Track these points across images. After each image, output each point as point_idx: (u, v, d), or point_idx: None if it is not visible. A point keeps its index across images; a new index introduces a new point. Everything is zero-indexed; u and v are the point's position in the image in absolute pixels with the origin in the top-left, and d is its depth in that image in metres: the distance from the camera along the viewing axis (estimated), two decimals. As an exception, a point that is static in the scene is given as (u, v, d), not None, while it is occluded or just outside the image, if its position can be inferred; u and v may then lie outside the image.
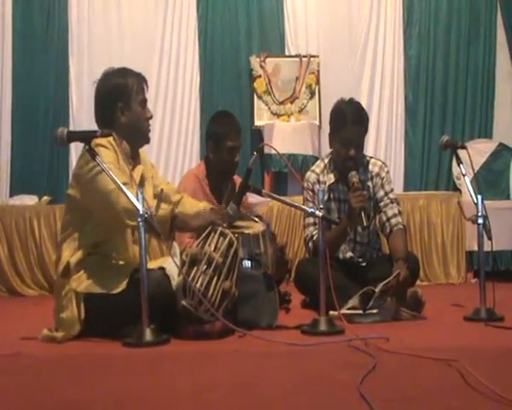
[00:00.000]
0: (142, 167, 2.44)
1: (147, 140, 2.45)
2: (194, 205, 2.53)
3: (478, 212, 2.61)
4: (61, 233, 2.36)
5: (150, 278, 2.11)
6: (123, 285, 2.16)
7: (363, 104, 3.81)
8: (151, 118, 2.44)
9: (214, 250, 2.21)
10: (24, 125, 4.87)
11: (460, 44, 5.27)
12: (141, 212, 2.06)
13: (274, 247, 2.61)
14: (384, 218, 3.02)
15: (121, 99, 2.36)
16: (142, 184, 2.36)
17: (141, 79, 2.42)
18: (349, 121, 2.91)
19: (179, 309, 2.17)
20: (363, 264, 3.11)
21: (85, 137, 2.16)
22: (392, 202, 3.05)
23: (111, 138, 2.28)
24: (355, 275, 2.96)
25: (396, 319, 2.57)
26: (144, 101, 2.42)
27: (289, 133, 4.83)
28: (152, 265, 2.29)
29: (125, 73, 2.41)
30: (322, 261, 2.29)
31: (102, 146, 2.26)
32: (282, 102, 5.06)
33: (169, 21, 5.08)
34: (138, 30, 5.03)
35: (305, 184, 3.07)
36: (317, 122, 5.00)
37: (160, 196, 2.38)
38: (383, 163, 3.15)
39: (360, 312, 2.55)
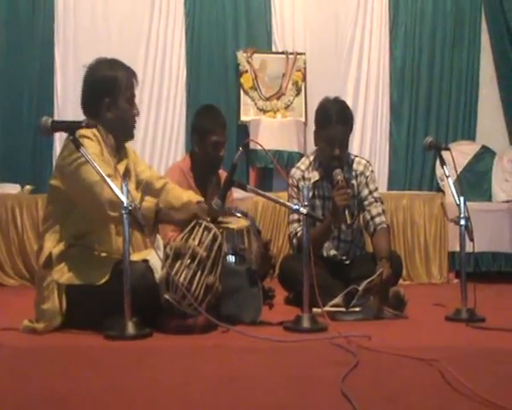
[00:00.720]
0: (126, 161, 2.42)
1: (131, 137, 2.42)
2: (178, 193, 2.51)
3: (460, 213, 2.63)
4: (43, 224, 2.33)
5: (133, 270, 2.09)
6: (105, 277, 2.14)
7: (349, 103, 3.81)
8: (138, 115, 2.41)
9: (198, 244, 2.20)
10: (8, 114, 4.81)
11: (445, 47, 5.30)
12: (125, 204, 2.03)
13: (259, 242, 2.60)
14: (368, 216, 3.03)
15: (108, 94, 2.32)
16: (126, 176, 2.34)
17: (131, 74, 2.38)
18: (334, 120, 2.92)
19: (162, 303, 2.15)
20: (347, 262, 3.12)
21: (70, 127, 2.14)
22: (376, 201, 3.06)
23: (96, 130, 2.25)
24: (338, 273, 2.97)
25: (378, 318, 2.58)
26: (132, 97, 2.38)
27: (275, 129, 4.83)
28: (135, 257, 2.27)
29: (115, 65, 2.36)
30: (306, 258, 2.29)
31: (87, 137, 2.22)
32: (268, 98, 5.05)
33: (156, 14, 5.04)
34: (125, 21, 4.98)
35: (290, 181, 3.07)
36: (303, 119, 5.01)
37: (146, 181, 2.36)
38: (368, 162, 3.15)
39: (343, 310, 2.56)
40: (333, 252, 3.10)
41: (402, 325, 2.51)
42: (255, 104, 5.03)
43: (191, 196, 2.54)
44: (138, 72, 4.76)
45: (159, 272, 2.20)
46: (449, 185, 2.76)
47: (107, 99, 2.32)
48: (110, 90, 2.32)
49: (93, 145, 2.22)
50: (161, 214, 2.22)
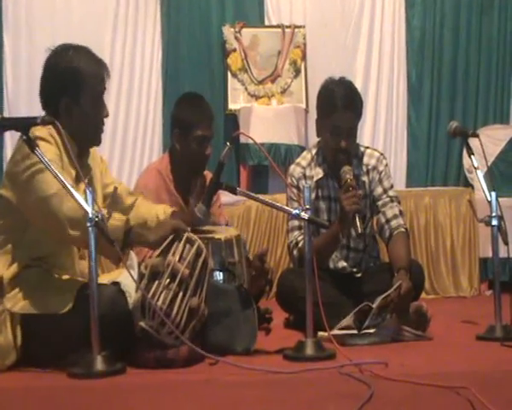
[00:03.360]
0: (92, 170, 2.42)
1: (98, 142, 2.39)
2: (152, 206, 2.51)
3: (492, 211, 2.64)
4: (-8, 242, 2.32)
5: (102, 294, 2.09)
6: (68, 304, 2.14)
7: (358, 85, 3.81)
8: (106, 117, 2.37)
9: (179, 260, 2.21)
10: (-51, 110, 4.81)
11: (472, 14, 5.32)
12: (90, 215, 2.03)
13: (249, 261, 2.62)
14: (383, 219, 3.05)
15: (69, 91, 2.28)
16: (91, 186, 2.33)
17: (101, 67, 2.34)
18: (340, 106, 2.92)
19: (137, 332, 2.15)
20: (358, 275, 3.12)
21: (22, 124, 2.10)
22: (392, 201, 3.07)
23: (53, 130, 2.23)
24: (348, 288, 2.97)
25: (397, 340, 2.59)
26: (101, 95, 2.34)
27: (270, 119, 4.84)
28: (104, 279, 2.27)
29: (82, 55, 2.31)
30: (310, 272, 2.29)
31: (43, 139, 2.19)
32: (261, 82, 5.07)
33: (125, -14, 5.06)
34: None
35: (289, 180, 3.08)
36: (304, 105, 5.02)
37: (114, 196, 2.36)
38: (381, 154, 3.17)
39: (354, 332, 2.56)
40: (341, 264, 3.11)
41: (425, 347, 2.52)
42: (245, 89, 5.05)
43: (166, 208, 2.54)
44: (105, 55, 4.76)
45: (132, 295, 2.20)
46: (478, 179, 2.77)
47: (67, 98, 2.29)
48: (72, 86, 2.28)
49: (51, 149, 2.20)
50: (133, 235, 2.19)
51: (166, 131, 4.79)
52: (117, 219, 2.18)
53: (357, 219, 2.72)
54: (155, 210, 2.51)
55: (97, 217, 2.04)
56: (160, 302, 2.14)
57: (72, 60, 2.30)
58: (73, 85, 2.28)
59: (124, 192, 2.55)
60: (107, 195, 2.51)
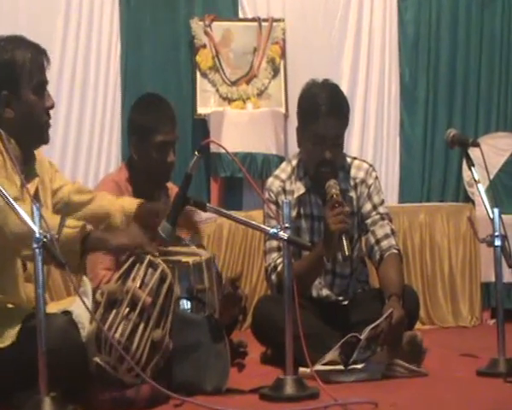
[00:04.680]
0: (39, 177, 2.41)
1: (44, 140, 2.41)
2: (115, 198, 2.51)
3: (494, 230, 2.68)
4: None
5: (51, 325, 2.08)
6: (12, 336, 2.13)
7: (344, 87, 3.83)
8: (52, 108, 2.40)
9: (140, 287, 2.20)
10: None
11: (471, 7, 5.35)
12: (37, 235, 2.03)
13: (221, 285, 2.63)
14: (372, 240, 3.07)
15: (7, 84, 2.30)
16: (37, 198, 2.33)
17: (39, 53, 2.37)
18: (324, 112, 2.95)
19: (91, 369, 2.14)
20: (345, 303, 3.14)
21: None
22: (382, 219, 3.10)
23: None
24: (334, 318, 2.99)
25: (388, 376, 2.61)
26: (42, 84, 2.38)
27: (245, 125, 4.85)
28: (53, 308, 2.27)
29: (15, 44, 2.35)
30: (289, 300, 2.31)
31: None
32: (234, 83, 5.08)
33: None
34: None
35: (267, 195, 3.10)
36: (283, 110, 5.04)
37: (66, 209, 2.37)
38: (370, 166, 3.20)
39: (340, 368, 2.57)
40: (326, 291, 3.12)
41: (420, 384, 2.54)
42: (217, 91, 5.05)
43: (130, 199, 2.55)
44: (55, 49, 4.70)
45: (86, 326, 2.19)
46: (479, 193, 2.81)
47: (6, 92, 2.31)
48: (8, 79, 2.30)
49: None
50: (90, 242, 2.20)
51: (125, 138, 4.76)
52: (72, 227, 2.17)
53: (343, 239, 2.72)
54: (119, 201, 2.52)
55: (45, 237, 2.03)
56: (117, 335, 2.13)
57: (5, 51, 2.33)
58: (10, 78, 2.31)
59: (80, 189, 2.56)
60: (59, 201, 2.51)
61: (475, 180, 2.82)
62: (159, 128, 3.05)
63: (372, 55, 5.33)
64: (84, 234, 2.18)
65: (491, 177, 4.45)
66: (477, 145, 2.89)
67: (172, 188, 3.13)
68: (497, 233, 2.68)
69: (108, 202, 2.58)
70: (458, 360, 3.06)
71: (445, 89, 5.34)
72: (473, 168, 2.84)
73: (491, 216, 2.71)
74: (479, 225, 3.53)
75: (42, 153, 2.52)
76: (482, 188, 2.80)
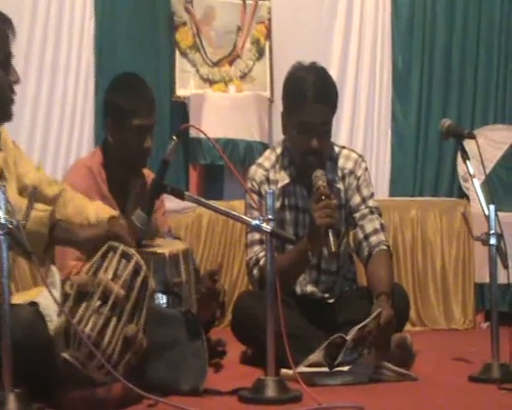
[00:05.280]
0: (2, 156, 2.40)
1: (7, 116, 2.39)
2: (82, 205, 2.49)
3: (490, 228, 2.69)
4: None
5: (16, 318, 2.07)
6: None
7: (333, 72, 3.83)
8: (17, 83, 2.38)
9: (113, 279, 2.19)
10: None
11: (469, -11, 5.41)
12: (2, 220, 2.01)
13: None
14: (361, 235, 3.08)
15: None
16: (3, 176, 2.32)
17: (3, 23, 2.35)
18: (311, 97, 2.95)
19: (59, 365, 2.13)
20: (331, 301, 3.15)
21: None
22: (371, 213, 3.11)
23: None
24: (319, 317, 2.99)
25: (375, 380, 2.62)
26: (7, 56, 2.35)
27: (227, 109, 4.86)
28: (19, 299, 2.24)
29: None
30: (272, 296, 2.31)
31: None
32: (216, 63, 5.08)
33: None
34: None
35: (249, 184, 3.10)
36: (268, 94, 5.06)
37: (34, 194, 2.34)
38: (360, 156, 3.21)
39: (325, 370, 2.58)
40: (310, 288, 3.13)
41: (408, 389, 2.55)
42: (197, 71, 5.05)
43: (101, 209, 2.53)
44: (23, 24, 4.66)
45: (54, 319, 2.18)
46: (474, 188, 2.82)
47: None
48: None
49: None
50: (59, 230, 2.20)
51: (99, 120, 4.76)
52: (41, 210, 2.17)
53: (330, 235, 2.71)
54: (86, 212, 2.49)
55: (11, 223, 2.02)
56: (87, 329, 2.12)
57: None
58: None
59: (44, 181, 2.53)
60: (25, 186, 2.49)
61: (470, 175, 2.84)
62: (137, 111, 3.04)
63: (363, 39, 5.36)
64: (52, 220, 2.18)
65: (488, 171, 4.51)
66: (473, 137, 2.90)
67: (149, 175, 3.13)
68: (492, 231, 2.69)
69: (73, 210, 2.51)
70: (450, 364, 3.08)
71: (441, 77, 5.38)
72: (468, 162, 2.85)
73: (487, 213, 2.72)
74: (473, 223, 3.56)
75: (6, 132, 2.50)
76: (477, 183, 2.82)
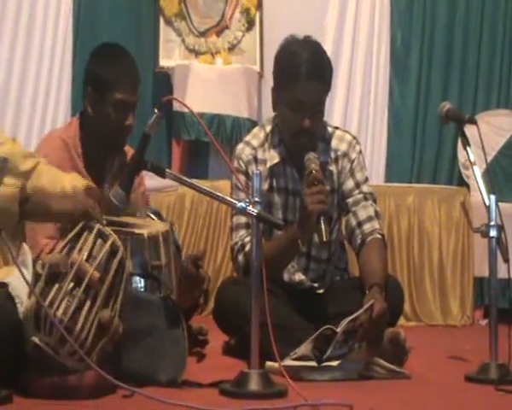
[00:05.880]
0: None
1: None
2: (56, 176, 2.48)
3: (490, 219, 2.69)
4: None
5: (-17, 299, 2.06)
6: None
7: (328, 48, 3.81)
8: None
9: (87, 260, 2.19)
10: None
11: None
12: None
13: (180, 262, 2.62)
14: (354, 222, 3.08)
15: None
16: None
17: None
18: (303, 74, 2.94)
19: (29, 349, 2.13)
20: (320, 291, 3.15)
21: None
22: (365, 199, 3.11)
23: None
24: (307, 307, 3.00)
25: (366, 377, 2.62)
26: None
27: (213, 82, 4.86)
28: (-13, 279, 2.23)
29: None
30: (257, 284, 2.30)
31: None
32: (203, 33, 5.07)
33: None
34: None
35: (235, 164, 3.09)
36: (257, 68, 5.05)
37: (4, 166, 2.33)
38: (354, 138, 3.20)
39: (313, 364, 2.58)
40: (299, 276, 3.13)
41: (401, 387, 2.56)
42: (183, 41, 5.04)
43: (76, 179, 2.51)
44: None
45: (24, 301, 2.17)
46: (475, 177, 2.82)
47: None
48: None
49: None
50: (31, 204, 2.19)
51: (77, 88, 4.74)
52: (10, 185, 2.17)
53: (322, 222, 2.72)
54: (61, 182, 2.48)
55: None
56: (59, 313, 2.11)
57: None
58: None
59: (18, 153, 2.50)
60: None
61: (471, 162, 2.84)
62: (120, 84, 3.03)
63: (360, 14, 5.36)
64: (23, 194, 2.16)
65: (489, 159, 4.52)
66: (474, 122, 2.91)
67: (129, 151, 3.11)
68: (492, 223, 2.69)
69: (48, 181, 2.49)
70: (445, 362, 3.09)
71: (442, 56, 5.38)
72: (468, 148, 2.85)
73: (487, 203, 2.72)
74: (474, 213, 3.58)
75: None
76: (478, 171, 2.82)
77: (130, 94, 3.07)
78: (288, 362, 2.51)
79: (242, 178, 3.02)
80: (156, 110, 2.42)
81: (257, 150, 3.10)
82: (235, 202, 2.47)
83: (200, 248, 3.65)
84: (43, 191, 2.39)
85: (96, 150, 3.09)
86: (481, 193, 2.76)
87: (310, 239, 3.03)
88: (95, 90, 3.08)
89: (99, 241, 2.24)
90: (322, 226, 2.71)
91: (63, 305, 2.13)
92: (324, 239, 2.71)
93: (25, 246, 2.35)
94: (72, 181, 2.48)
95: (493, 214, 2.69)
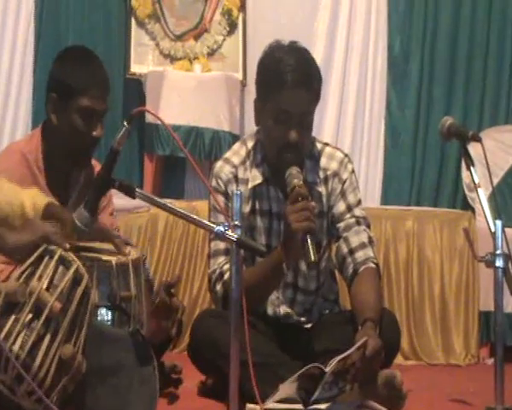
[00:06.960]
0: None
1: None
2: (13, 192, 2.48)
3: (496, 248, 2.70)
4: None
5: None
6: None
7: (318, 55, 3.86)
8: None
9: (48, 289, 2.19)
10: None
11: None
12: None
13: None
14: (345, 249, 3.09)
15: None
16: None
17: None
18: (289, 81, 2.96)
19: (-19, 389, 2.13)
20: (308, 325, 3.16)
21: None
22: (358, 224, 3.12)
23: None
24: (293, 344, 3.01)
25: (358, 422, 2.63)
26: None
27: (191, 91, 4.87)
28: None
29: None
30: (237, 317, 2.31)
31: None
32: (179, 37, 5.09)
33: None
34: None
35: (214, 183, 3.10)
36: (240, 76, 5.08)
37: None
38: (346, 156, 3.22)
39: (299, 407, 2.59)
40: (284, 309, 3.14)
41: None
42: (157, 45, 5.06)
43: (37, 196, 2.52)
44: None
45: (-24, 334, 2.17)
46: (479, 200, 2.84)
47: None
48: None
49: None
50: None
51: (39, 97, 4.75)
52: None
53: (308, 241, 2.72)
54: (20, 199, 2.48)
55: None
56: (16, 347, 2.11)
57: None
58: None
59: None
60: None
61: (474, 183, 2.84)
62: (87, 90, 3.03)
63: (354, 18, 5.39)
64: None
65: (497, 180, 4.55)
66: (478, 140, 2.91)
67: (96, 166, 3.12)
68: (498, 251, 2.70)
69: (6, 199, 2.51)
70: (447, 406, 3.10)
71: (444, 65, 5.41)
72: (472, 168, 2.86)
73: (493, 229, 2.73)
74: (478, 240, 3.58)
75: None
76: (483, 193, 2.82)
77: (98, 101, 3.07)
78: (272, 405, 2.52)
79: (221, 198, 3.03)
80: (126, 123, 2.42)
81: (237, 168, 3.11)
82: (212, 225, 2.44)
83: (174, 275, 3.63)
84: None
85: (59, 164, 3.09)
86: (486, 218, 2.77)
87: (296, 263, 3.05)
88: (59, 97, 3.08)
89: (61, 268, 2.23)
90: (310, 246, 2.70)
91: (20, 339, 2.12)
92: (312, 259, 2.68)
93: (-22, 272, 2.36)
94: (32, 198, 2.48)
95: (499, 242, 2.70)
